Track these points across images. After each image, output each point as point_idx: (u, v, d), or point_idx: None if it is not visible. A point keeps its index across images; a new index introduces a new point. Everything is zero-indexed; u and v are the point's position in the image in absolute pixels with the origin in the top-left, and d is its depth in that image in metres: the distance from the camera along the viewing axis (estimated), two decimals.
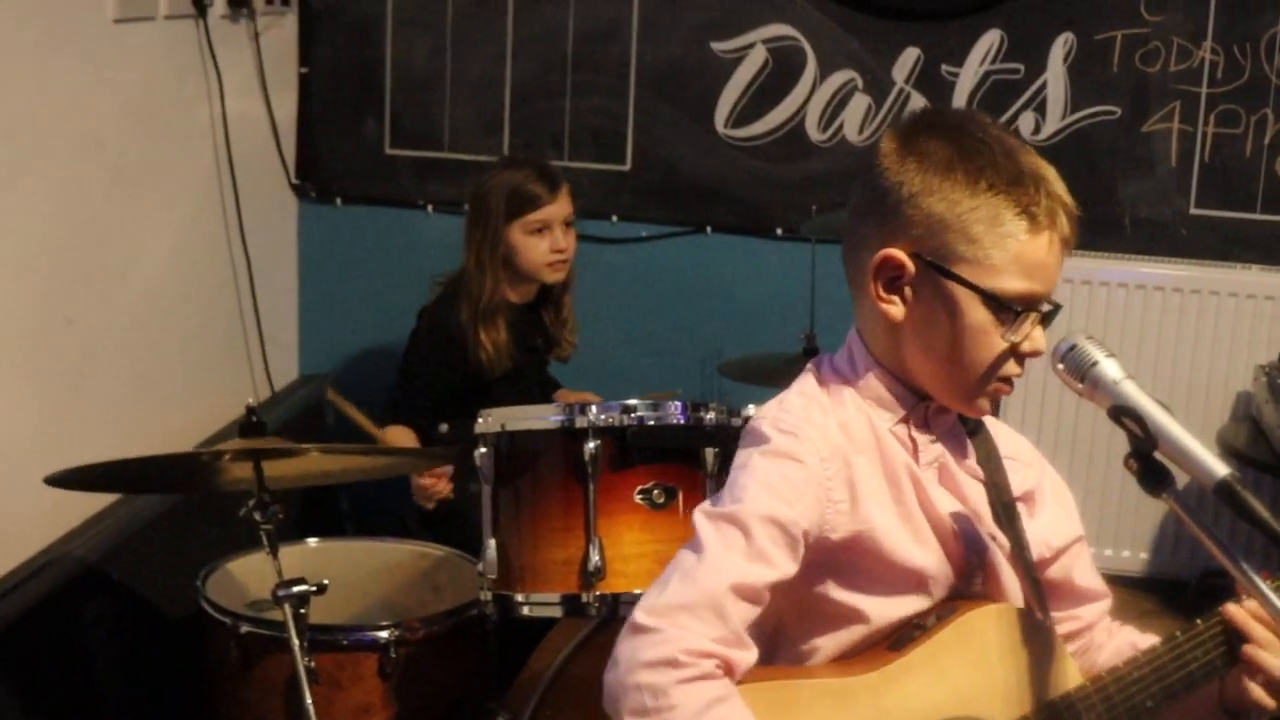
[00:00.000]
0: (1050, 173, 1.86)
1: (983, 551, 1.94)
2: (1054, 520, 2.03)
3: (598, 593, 2.74)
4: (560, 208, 3.77)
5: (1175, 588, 4.35)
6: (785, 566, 1.79)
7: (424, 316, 3.90)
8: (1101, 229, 4.31)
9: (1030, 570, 1.94)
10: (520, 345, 3.82)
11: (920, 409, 1.93)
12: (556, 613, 2.82)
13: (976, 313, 1.83)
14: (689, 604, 1.73)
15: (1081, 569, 2.05)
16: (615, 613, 2.75)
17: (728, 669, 1.74)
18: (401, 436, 3.75)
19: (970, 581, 1.94)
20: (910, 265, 1.85)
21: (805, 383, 1.96)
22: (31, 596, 3.02)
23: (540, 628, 3.05)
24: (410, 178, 4.56)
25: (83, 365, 3.44)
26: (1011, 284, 1.81)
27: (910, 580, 1.89)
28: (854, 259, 1.92)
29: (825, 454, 1.85)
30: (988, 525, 1.94)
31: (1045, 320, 1.86)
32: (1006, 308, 1.81)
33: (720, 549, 1.77)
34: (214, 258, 4.11)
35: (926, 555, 1.89)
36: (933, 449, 1.94)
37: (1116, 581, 2.13)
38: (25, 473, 3.04)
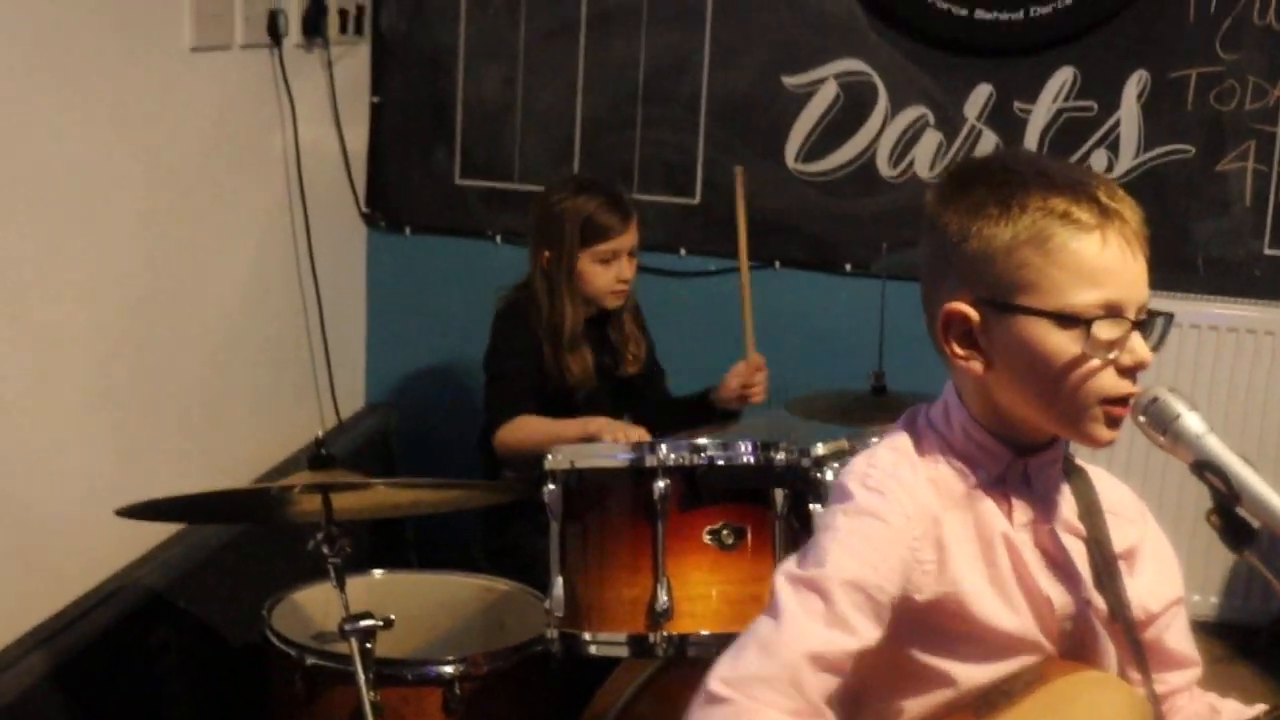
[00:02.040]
0: (1096, 177, 1.79)
1: (1080, 617, 1.87)
2: (1153, 582, 1.95)
3: (665, 633, 2.72)
4: (630, 238, 3.78)
5: (1248, 634, 4.28)
6: (868, 633, 1.72)
7: (499, 322, 3.87)
8: (1174, 269, 4.26)
9: (1131, 632, 1.86)
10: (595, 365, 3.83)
11: (1018, 465, 1.86)
12: (623, 653, 2.81)
13: (1054, 337, 1.75)
14: (765, 676, 1.67)
15: (1175, 633, 1.98)
16: (683, 653, 2.73)
17: None
18: (532, 421, 3.65)
19: (1066, 647, 1.87)
20: (974, 314, 1.79)
21: (897, 437, 1.90)
22: (99, 624, 3.04)
23: (604, 666, 3.03)
24: (480, 208, 4.57)
25: (153, 391, 3.45)
26: (1081, 296, 1.73)
27: (1000, 644, 1.82)
28: (929, 323, 1.87)
29: (912, 513, 1.78)
30: (1085, 587, 1.87)
31: (1142, 328, 1.77)
32: (1081, 321, 1.73)
33: (800, 616, 1.71)
34: (284, 285, 4.13)
35: (1018, 620, 1.82)
36: (1029, 508, 1.87)
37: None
38: (96, 499, 3.06)
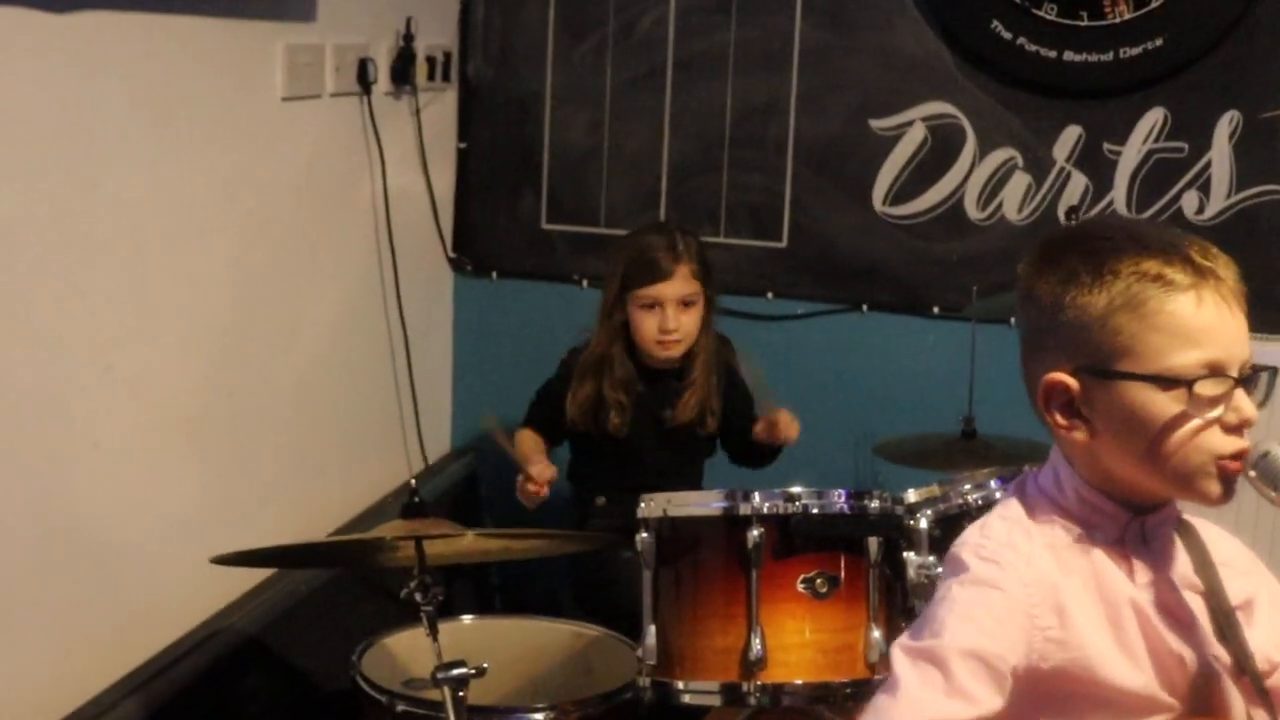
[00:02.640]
0: (1188, 239, 1.78)
1: (1207, 674, 1.84)
2: (1271, 631, 1.91)
3: (758, 682, 2.71)
4: (674, 287, 3.67)
5: None
6: (988, 702, 1.70)
7: (566, 355, 3.91)
8: (1267, 311, 4.19)
9: (1258, 682, 1.83)
10: (649, 416, 3.77)
11: (1136, 525, 1.84)
12: (716, 701, 2.80)
13: (1156, 401, 1.73)
14: None
15: None
16: (777, 702, 2.72)
17: None
18: (528, 439, 3.81)
19: (1193, 704, 1.84)
20: (1073, 383, 1.78)
21: (1008, 505, 1.89)
22: (191, 669, 3.06)
23: (693, 714, 3.02)
24: (566, 253, 4.58)
25: (245, 436, 3.48)
26: (1179, 358, 1.72)
27: (1130, 706, 1.80)
28: (1030, 394, 1.86)
29: (1030, 580, 1.77)
30: (1209, 642, 1.85)
31: (1245, 385, 1.75)
32: (1182, 381, 1.72)
33: (917, 687, 1.70)
34: (373, 330, 4.15)
35: (1145, 680, 1.80)
36: (1148, 567, 1.85)
37: None
38: (189, 544, 3.09)
